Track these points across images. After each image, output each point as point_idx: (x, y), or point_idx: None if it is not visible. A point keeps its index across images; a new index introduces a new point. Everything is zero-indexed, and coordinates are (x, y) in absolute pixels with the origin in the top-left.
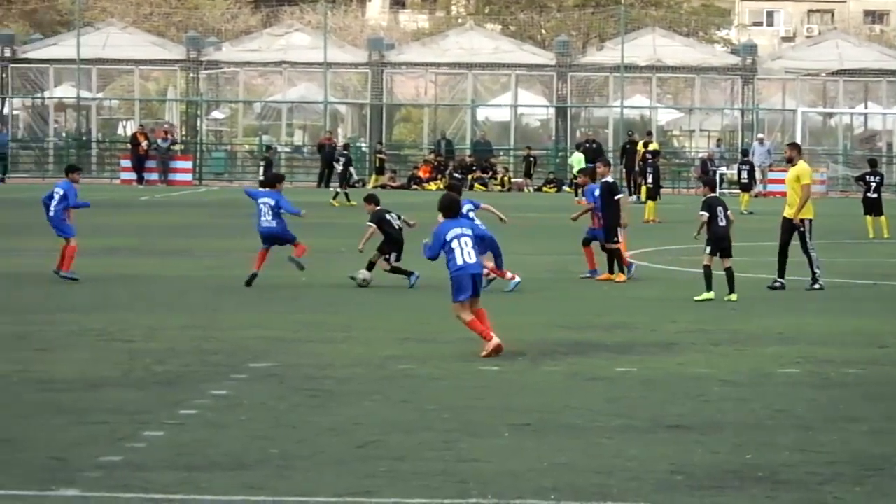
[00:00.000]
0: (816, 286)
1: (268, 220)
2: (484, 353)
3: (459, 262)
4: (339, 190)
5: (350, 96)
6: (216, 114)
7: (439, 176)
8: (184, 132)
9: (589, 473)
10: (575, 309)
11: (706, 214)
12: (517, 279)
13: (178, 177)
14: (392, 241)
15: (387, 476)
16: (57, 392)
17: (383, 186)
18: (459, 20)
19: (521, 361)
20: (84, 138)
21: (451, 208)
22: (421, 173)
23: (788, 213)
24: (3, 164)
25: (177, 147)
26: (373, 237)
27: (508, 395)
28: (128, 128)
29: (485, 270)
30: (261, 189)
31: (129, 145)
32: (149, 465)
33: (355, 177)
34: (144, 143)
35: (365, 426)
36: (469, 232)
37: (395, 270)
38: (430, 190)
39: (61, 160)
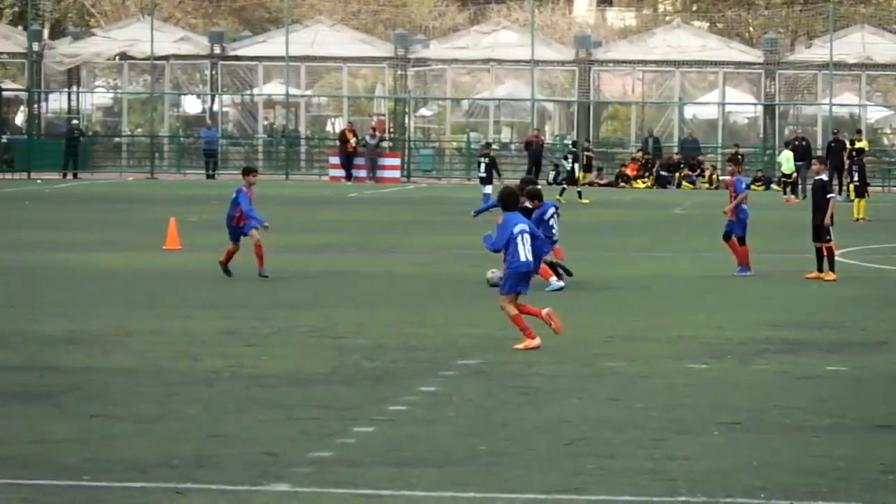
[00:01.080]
0: None
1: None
2: (520, 346)
3: (522, 258)
4: (564, 187)
5: (557, 94)
6: (424, 111)
7: (646, 174)
8: (392, 129)
9: (798, 472)
10: (784, 307)
11: None
12: (561, 284)
13: (387, 174)
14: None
15: (595, 473)
16: (267, 388)
17: (591, 184)
18: (667, 18)
19: (730, 360)
20: (293, 135)
21: (512, 201)
22: (628, 171)
23: None
24: (212, 160)
25: (385, 144)
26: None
27: (717, 394)
28: (336, 125)
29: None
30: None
31: (337, 142)
32: (358, 460)
33: (577, 174)
34: (353, 141)
35: (573, 423)
36: (529, 229)
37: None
38: (638, 188)
39: (270, 157)
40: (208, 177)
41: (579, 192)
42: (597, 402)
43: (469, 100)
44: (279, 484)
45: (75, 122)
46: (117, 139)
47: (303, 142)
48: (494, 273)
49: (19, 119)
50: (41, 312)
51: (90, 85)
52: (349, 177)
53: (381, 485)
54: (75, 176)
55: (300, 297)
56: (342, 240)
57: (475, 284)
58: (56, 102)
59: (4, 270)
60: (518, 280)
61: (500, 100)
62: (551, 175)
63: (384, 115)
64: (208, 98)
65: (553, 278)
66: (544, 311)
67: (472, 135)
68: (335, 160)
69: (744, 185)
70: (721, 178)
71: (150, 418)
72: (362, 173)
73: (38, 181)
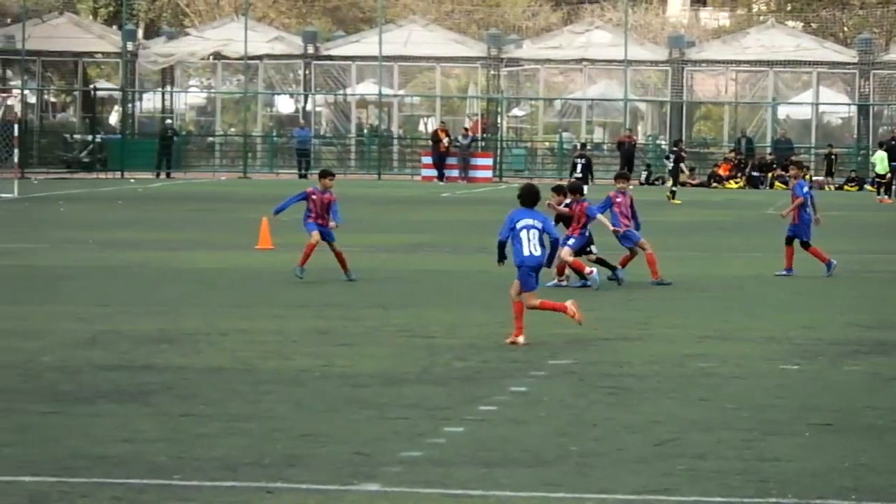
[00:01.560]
0: None
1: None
2: (509, 340)
3: (525, 252)
4: (674, 189)
5: (650, 94)
6: (516, 111)
7: (739, 174)
8: (484, 129)
9: (890, 474)
10: (875, 308)
11: None
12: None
13: (479, 174)
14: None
15: (686, 474)
16: (358, 387)
17: (683, 184)
18: (760, 18)
19: (821, 361)
20: (385, 135)
21: (528, 197)
22: (721, 171)
23: None
24: (305, 160)
25: (477, 144)
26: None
27: (809, 395)
28: (429, 125)
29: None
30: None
31: (429, 142)
32: (449, 460)
33: (686, 172)
34: (445, 140)
35: (663, 424)
36: (539, 225)
37: (600, 262)
38: (730, 188)
39: (363, 157)
40: (301, 176)
41: (672, 192)
42: (688, 403)
43: (562, 100)
44: (369, 483)
45: (169, 121)
46: (210, 139)
47: (395, 141)
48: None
49: (113, 118)
50: (134, 311)
51: (184, 84)
52: (441, 177)
53: (471, 485)
54: (168, 175)
55: (392, 297)
56: (434, 240)
57: (567, 284)
58: (150, 102)
59: (98, 270)
60: (528, 277)
61: (592, 100)
62: (643, 175)
63: (479, 115)
64: (301, 98)
65: (587, 270)
66: (521, 339)
67: (565, 135)
68: (427, 160)
69: (804, 190)
70: (814, 178)
71: (242, 417)
72: (454, 173)
73: (132, 181)
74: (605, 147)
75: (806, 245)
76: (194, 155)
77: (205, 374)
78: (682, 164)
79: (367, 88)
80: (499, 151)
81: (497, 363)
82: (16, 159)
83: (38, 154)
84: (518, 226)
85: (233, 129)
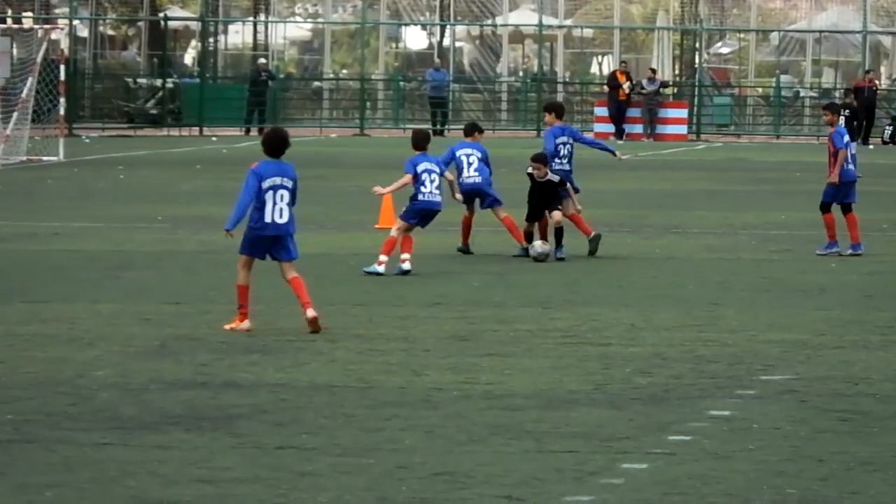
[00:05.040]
0: None
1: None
2: (228, 327)
3: (267, 219)
4: None
5: None
6: (720, 47)
7: None
8: (677, 71)
9: None
10: None
11: None
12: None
13: (669, 129)
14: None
15: None
16: (510, 410)
17: None
18: None
19: None
20: (547, 79)
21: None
22: None
23: None
24: (441, 111)
25: (667, 91)
26: None
27: None
28: (604, 65)
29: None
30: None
31: (605, 88)
32: None
33: None
34: (625, 86)
35: None
36: (289, 185)
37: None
38: None
39: (516, 108)
40: (435, 133)
41: None
42: None
43: (779, 32)
44: None
45: (262, 61)
46: (317, 84)
47: (560, 87)
48: (537, 246)
49: (189, 58)
50: (215, 311)
51: (282, 13)
52: (620, 133)
53: None
54: (261, 132)
55: (554, 292)
56: (609, 216)
57: (789, 273)
58: (237, 35)
59: (168, 256)
60: (254, 242)
61: (820, 32)
62: (887, 132)
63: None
64: (437, 30)
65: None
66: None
67: (784, 78)
68: (602, 111)
69: (844, 140)
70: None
71: (357, 450)
72: (637, 128)
73: (213, 138)
74: (836, 94)
75: (848, 208)
76: (295, 105)
77: (308, 394)
78: None
79: (523, 17)
80: (696, 100)
81: (692, 379)
82: (62, 111)
83: (90, 104)
84: (419, 169)
85: (346, 72)
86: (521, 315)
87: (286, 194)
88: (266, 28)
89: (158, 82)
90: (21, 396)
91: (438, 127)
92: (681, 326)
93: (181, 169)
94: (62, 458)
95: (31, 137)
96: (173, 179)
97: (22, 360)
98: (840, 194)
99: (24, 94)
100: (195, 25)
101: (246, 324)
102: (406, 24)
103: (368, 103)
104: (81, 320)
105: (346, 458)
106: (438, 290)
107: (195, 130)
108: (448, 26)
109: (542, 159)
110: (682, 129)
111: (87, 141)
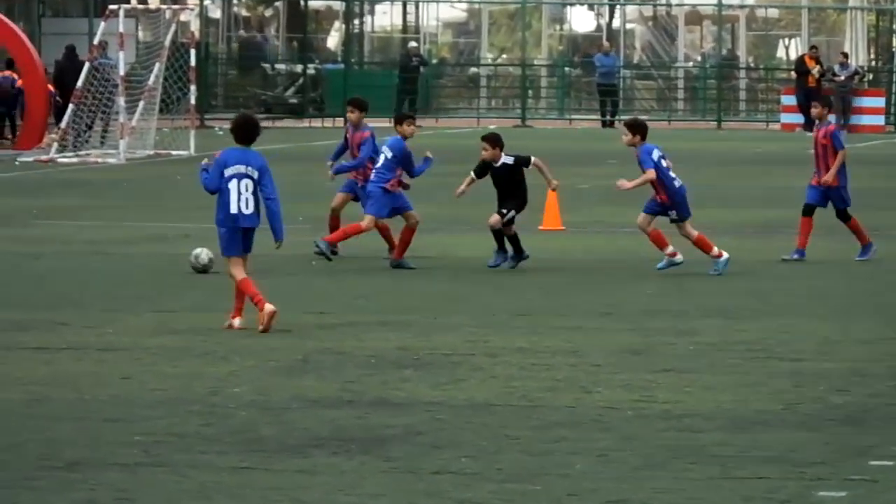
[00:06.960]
0: None
1: None
2: (261, 327)
3: (233, 209)
4: None
5: None
6: None
7: None
8: (872, 56)
9: None
10: None
11: None
12: None
13: (864, 120)
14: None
15: None
16: (690, 432)
17: None
18: None
19: None
20: (728, 63)
21: (239, 131)
22: None
23: None
24: (611, 100)
25: (863, 77)
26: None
27: None
28: (791, 49)
29: None
30: None
31: (792, 74)
32: None
33: None
34: (815, 71)
35: None
36: (254, 175)
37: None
38: None
39: (695, 96)
40: (605, 124)
41: None
42: None
43: None
44: None
45: (413, 45)
46: (473, 70)
47: (742, 73)
48: (200, 254)
49: (332, 41)
50: (364, 322)
51: None
52: (809, 125)
53: None
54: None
55: (738, 300)
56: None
57: None
58: (385, 16)
59: (309, 260)
60: (231, 238)
61: None
62: None
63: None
64: (605, 10)
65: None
66: (269, 310)
67: None
68: (789, 100)
69: (842, 139)
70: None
71: (522, 476)
72: (831, 119)
73: None
74: None
75: (844, 214)
76: (450, 93)
77: (467, 413)
78: None
79: None
80: (893, 88)
81: (894, 398)
82: (192, 100)
83: (223, 93)
84: (227, 173)
85: (505, 57)
86: (701, 326)
87: (250, 184)
88: (417, 8)
89: (298, 68)
90: (150, 416)
91: (608, 117)
92: (881, 339)
93: (323, 163)
94: (197, 483)
95: (159, 129)
96: (314, 175)
97: (150, 375)
98: (839, 198)
99: (150, 82)
100: (338, 6)
101: (237, 321)
102: (572, 4)
103: (530, 91)
104: (215, 332)
105: (509, 484)
106: (609, 299)
107: (339, 121)
108: (618, 6)
109: (492, 139)
110: (880, 120)
111: (221, 133)
